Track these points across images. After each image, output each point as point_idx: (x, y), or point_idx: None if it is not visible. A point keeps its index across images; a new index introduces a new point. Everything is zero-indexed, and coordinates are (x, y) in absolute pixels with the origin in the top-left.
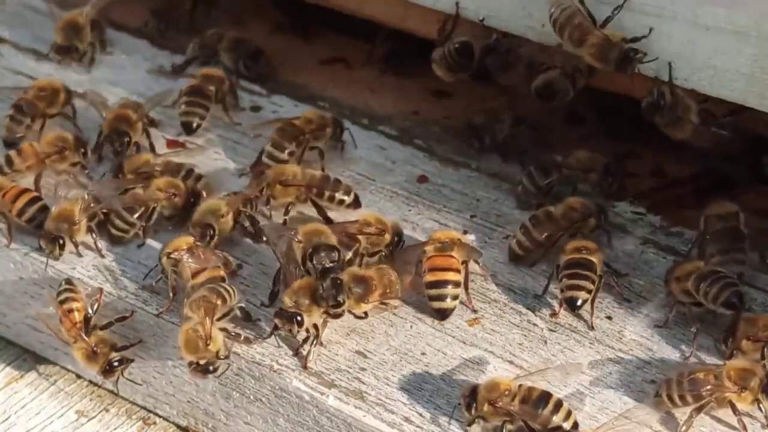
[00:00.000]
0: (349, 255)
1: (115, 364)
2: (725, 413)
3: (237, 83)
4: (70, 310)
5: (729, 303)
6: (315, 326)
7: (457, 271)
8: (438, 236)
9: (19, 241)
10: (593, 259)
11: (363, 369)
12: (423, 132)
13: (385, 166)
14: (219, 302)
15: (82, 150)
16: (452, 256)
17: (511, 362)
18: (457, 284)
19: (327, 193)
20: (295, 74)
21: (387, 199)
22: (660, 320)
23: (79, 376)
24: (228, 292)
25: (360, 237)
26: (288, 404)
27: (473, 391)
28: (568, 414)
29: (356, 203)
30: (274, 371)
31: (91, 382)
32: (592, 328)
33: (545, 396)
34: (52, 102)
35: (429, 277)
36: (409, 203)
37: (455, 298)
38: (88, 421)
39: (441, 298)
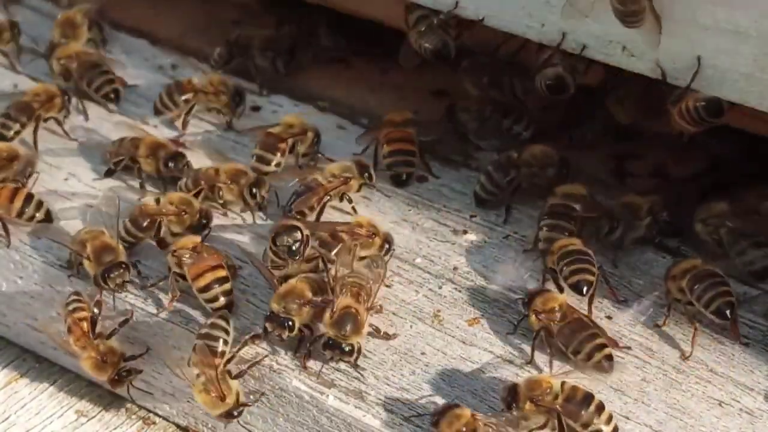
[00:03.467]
0: (331, 255)
1: (124, 374)
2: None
3: (243, 98)
4: (80, 319)
5: (720, 312)
6: (307, 326)
7: (413, 142)
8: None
9: (19, 241)
10: (587, 249)
11: (363, 369)
12: (423, 132)
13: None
14: (217, 360)
15: (30, 169)
16: (408, 132)
17: (511, 362)
18: (413, 153)
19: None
20: (295, 74)
21: (386, 199)
22: (660, 320)
23: (79, 376)
24: (223, 339)
25: (345, 238)
26: (288, 404)
27: (513, 390)
28: (610, 418)
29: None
30: (274, 371)
31: (90, 382)
32: None
33: (589, 397)
34: (48, 106)
35: (387, 148)
36: (408, 203)
37: (412, 164)
38: (87, 420)
39: (399, 164)
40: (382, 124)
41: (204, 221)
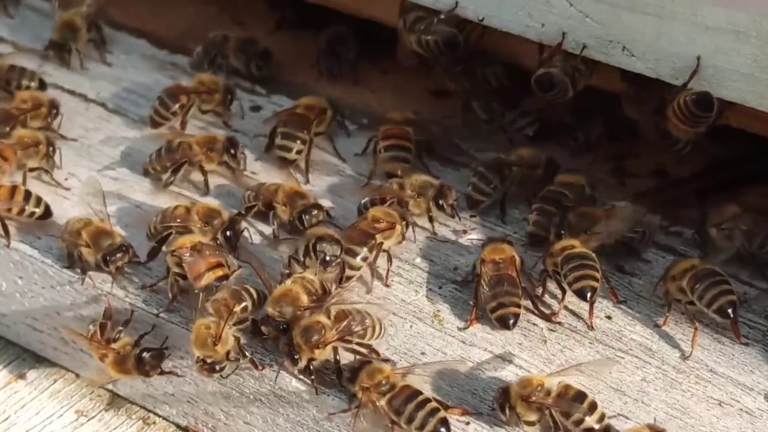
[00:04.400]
0: (365, 252)
1: (144, 355)
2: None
3: (234, 94)
4: (92, 335)
5: (723, 311)
6: None
7: (409, 140)
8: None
9: (19, 241)
10: (588, 251)
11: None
12: (420, 132)
13: None
14: (237, 308)
15: (51, 148)
16: (405, 129)
17: (510, 362)
18: (408, 150)
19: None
20: (295, 74)
21: None
22: (659, 320)
23: (79, 376)
24: (251, 297)
25: (376, 234)
26: (288, 404)
27: (505, 391)
28: (602, 417)
29: None
30: (274, 371)
31: None
32: (591, 328)
33: (581, 395)
34: (33, 114)
35: (383, 144)
36: None
37: (407, 161)
38: (87, 420)
39: (395, 159)
40: (383, 122)
41: (228, 233)
